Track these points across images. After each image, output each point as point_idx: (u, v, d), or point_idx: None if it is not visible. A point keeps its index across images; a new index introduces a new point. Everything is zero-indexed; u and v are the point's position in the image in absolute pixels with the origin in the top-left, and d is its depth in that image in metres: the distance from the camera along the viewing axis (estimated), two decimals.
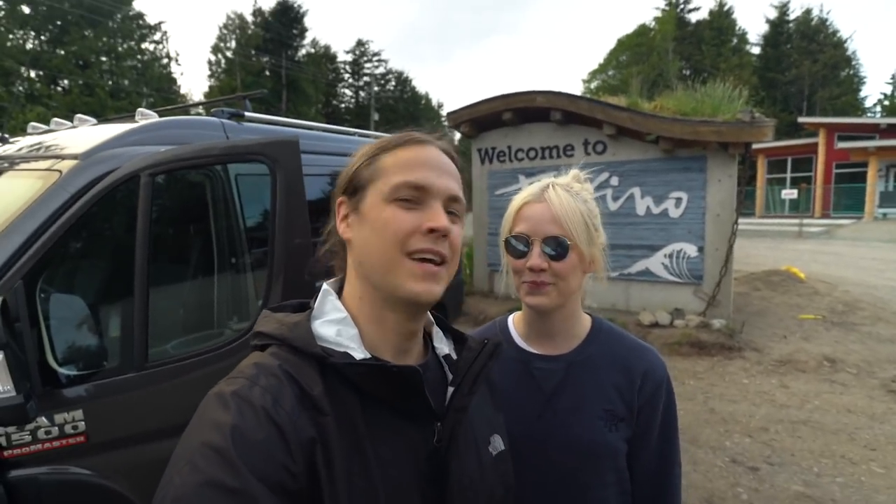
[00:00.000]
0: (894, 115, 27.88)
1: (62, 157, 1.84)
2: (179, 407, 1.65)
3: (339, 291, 0.70)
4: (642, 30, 36.34)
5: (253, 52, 32.20)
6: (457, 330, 0.79)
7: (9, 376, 1.26)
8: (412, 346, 0.68)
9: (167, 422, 1.64)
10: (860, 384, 4.40)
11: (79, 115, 2.60)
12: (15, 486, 1.42)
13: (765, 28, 35.05)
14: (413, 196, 0.62)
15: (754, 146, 5.75)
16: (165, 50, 28.96)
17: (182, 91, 30.24)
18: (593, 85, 37.31)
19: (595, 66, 40.16)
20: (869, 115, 32.06)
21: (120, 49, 25.96)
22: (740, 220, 5.67)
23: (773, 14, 34.83)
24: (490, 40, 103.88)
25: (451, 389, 0.68)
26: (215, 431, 0.50)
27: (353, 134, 3.42)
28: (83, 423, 1.54)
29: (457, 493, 0.63)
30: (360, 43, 41.14)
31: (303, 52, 35.66)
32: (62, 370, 1.56)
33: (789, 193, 18.46)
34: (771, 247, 12.82)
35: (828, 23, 33.95)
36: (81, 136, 2.07)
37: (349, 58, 40.87)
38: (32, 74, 22.89)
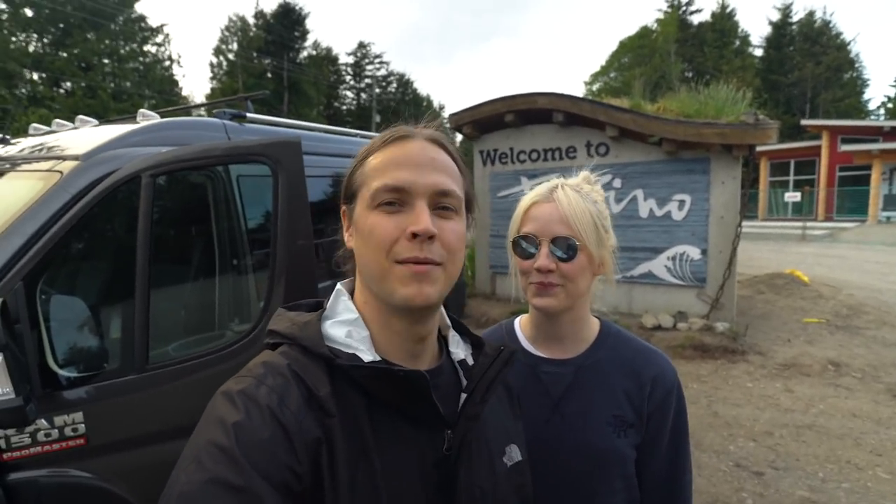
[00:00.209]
0: None
1: (63, 158, 1.84)
2: (180, 409, 1.65)
3: (353, 292, 0.69)
4: (644, 32, 36.34)
5: (254, 54, 32.29)
6: (476, 335, 0.76)
7: (8, 378, 1.25)
8: (423, 349, 0.66)
9: (168, 424, 1.63)
10: (865, 388, 4.37)
11: (80, 117, 2.60)
12: (14, 488, 1.41)
13: (767, 30, 35.06)
14: (395, 199, 0.59)
15: (758, 148, 5.73)
16: (167, 52, 29.15)
17: (184, 93, 30.33)
18: (595, 87, 37.30)
19: (597, 69, 40.29)
20: (872, 117, 31.98)
21: (122, 51, 26.06)
22: (743, 223, 5.65)
23: (775, 16, 34.84)
24: (491, 42, 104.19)
25: (463, 396, 0.66)
26: (221, 430, 0.51)
27: (355, 135, 3.41)
28: (83, 425, 1.53)
29: (465, 503, 0.61)
30: (361, 45, 41.26)
31: (304, 54, 35.75)
32: (62, 372, 1.55)
33: (792, 196, 18.41)
34: (774, 250, 12.78)
35: (831, 25, 33.93)
36: (82, 137, 2.07)
37: (351, 60, 41.02)
38: (35, 77, 22.98)
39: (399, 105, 40.78)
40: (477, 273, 7.48)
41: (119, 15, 25.72)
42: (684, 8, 35.68)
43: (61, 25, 23.54)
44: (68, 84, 23.87)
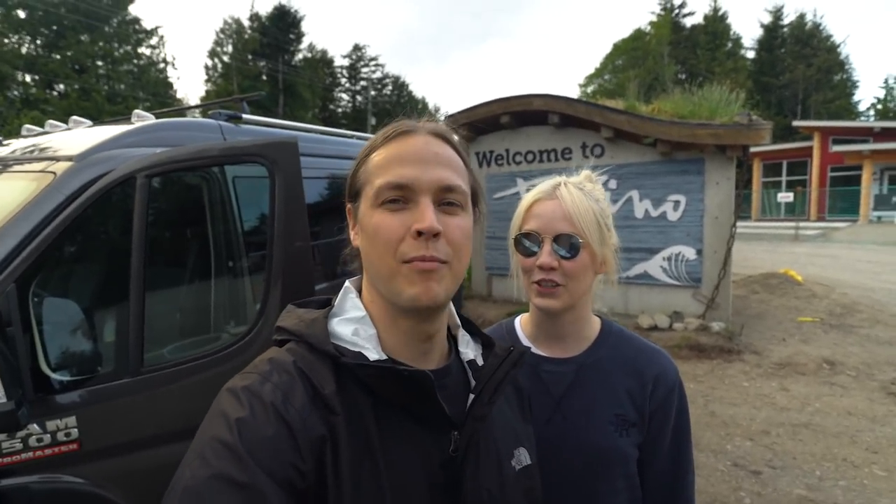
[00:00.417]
0: (887, 119, 28.12)
1: (57, 159, 1.81)
2: (176, 413, 1.63)
3: (361, 290, 0.68)
4: (638, 34, 36.63)
5: (250, 56, 32.23)
6: (486, 335, 0.75)
7: None
8: (431, 348, 0.65)
9: (163, 428, 1.61)
10: (860, 386, 4.40)
11: (74, 117, 2.57)
12: (5, 495, 1.38)
13: (759, 32, 35.38)
14: (398, 196, 0.58)
15: (751, 149, 5.76)
16: (162, 54, 29.02)
17: (178, 95, 30.22)
18: (590, 89, 37.54)
19: (591, 71, 40.54)
20: (862, 118, 32.34)
21: (116, 54, 25.93)
22: (737, 224, 5.68)
23: (767, 19, 35.17)
24: (486, 45, 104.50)
25: (472, 397, 0.65)
26: (225, 426, 0.51)
27: (351, 136, 3.40)
28: (76, 429, 1.50)
29: None
30: (356, 48, 41.30)
31: (300, 56, 35.72)
32: (55, 376, 1.53)
33: (785, 196, 18.59)
34: (768, 250, 12.87)
35: (821, 27, 34.31)
36: (76, 137, 2.04)
37: (346, 62, 41.02)
38: (28, 79, 22.80)
39: (394, 107, 40.79)
40: (473, 275, 7.48)
41: (113, 17, 25.63)
42: (677, 11, 35.99)
43: (55, 27, 23.40)
44: (61, 86, 23.71)
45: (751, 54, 35.68)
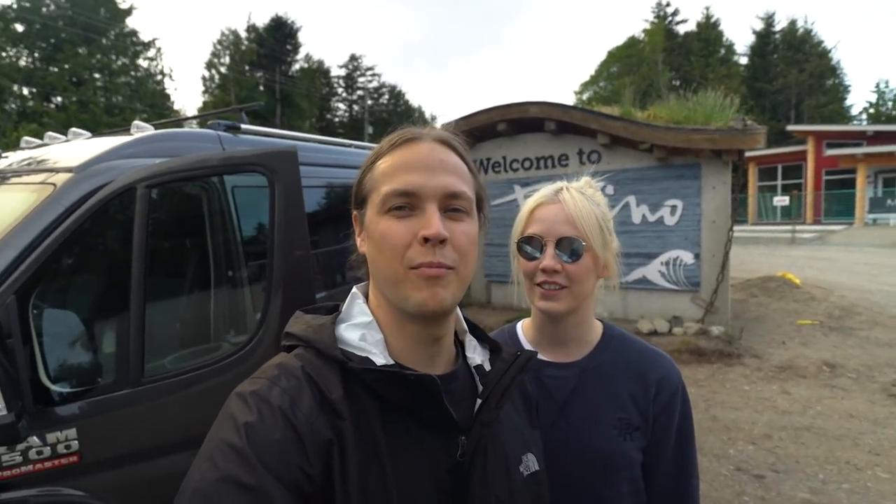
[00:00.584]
0: (879, 123, 28.41)
1: (56, 171, 1.81)
2: (177, 423, 1.62)
3: (368, 296, 0.68)
4: (632, 42, 37.00)
5: (247, 67, 32.42)
6: (494, 340, 0.75)
7: (0, 394, 1.22)
8: (438, 352, 0.66)
9: (164, 439, 1.59)
10: (861, 389, 4.39)
11: (73, 129, 2.57)
12: None
13: (752, 39, 35.82)
14: (404, 203, 0.59)
15: (746, 154, 5.81)
16: (159, 66, 29.19)
17: (176, 107, 30.35)
18: (585, 96, 37.83)
19: (586, 78, 40.83)
20: (855, 122, 32.65)
21: (114, 66, 26.05)
22: (734, 227, 5.71)
23: (759, 25, 35.67)
24: (481, 54, 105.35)
25: (479, 402, 0.65)
26: (234, 430, 0.52)
27: (349, 145, 3.42)
28: (76, 441, 1.49)
29: None
30: (353, 57, 41.57)
31: (296, 67, 35.95)
32: (55, 387, 1.52)
33: (781, 200, 18.69)
34: (765, 253, 12.91)
35: (812, 34, 34.78)
36: (76, 149, 2.04)
37: (342, 72, 41.28)
38: (25, 92, 22.86)
39: (391, 116, 41.00)
40: (472, 282, 7.47)
41: (111, 29, 25.77)
42: (670, 18, 36.44)
43: (52, 40, 23.51)
44: (59, 99, 23.77)
45: (744, 60, 36.11)
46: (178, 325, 2.04)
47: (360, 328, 0.63)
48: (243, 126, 2.42)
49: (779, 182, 23.01)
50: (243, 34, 33.52)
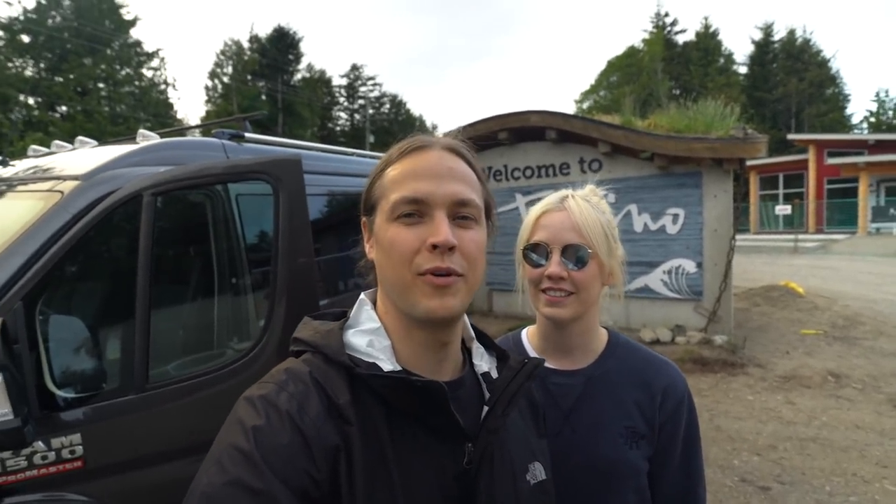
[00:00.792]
0: (880, 132, 28.47)
1: (63, 178, 1.83)
2: (180, 429, 1.62)
3: (376, 303, 0.69)
4: (631, 51, 37.26)
5: (249, 77, 32.71)
6: (501, 348, 0.75)
7: (7, 399, 1.22)
8: (445, 360, 0.66)
9: (168, 445, 1.59)
10: (867, 399, 4.36)
11: (79, 138, 2.60)
12: None
13: (751, 48, 36.04)
14: (413, 210, 0.59)
15: (747, 162, 5.83)
16: (163, 76, 29.48)
17: (179, 116, 30.56)
18: (585, 105, 38.06)
19: (586, 87, 41.09)
20: (856, 131, 32.74)
21: (118, 76, 26.31)
22: (736, 236, 5.70)
23: (758, 35, 35.89)
24: (481, 63, 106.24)
25: (486, 409, 0.65)
26: (242, 434, 0.52)
27: (352, 154, 3.44)
28: (81, 447, 1.49)
29: None
30: (354, 67, 41.95)
31: (298, 76, 36.28)
32: (60, 393, 1.52)
33: (783, 209, 18.66)
34: (768, 262, 12.89)
35: (811, 43, 34.98)
36: (82, 157, 2.07)
37: (344, 82, 41.64)
38: (31, 101, 23.09)
39: (392, 125, 41.26)
40: None
41: (115, 40, 26.05)
42: (669, 28, 36.73)
43: (58, 51, 23.78)
44: (64, 108, 23.99)
45: (743, 69, 36.31)
46: (182, 332, 2.04)
47: (368, 334, 0.64)
48: (247, 135, 2.45)
49: (780, 191, 23.03)
50: (246, 44, 33.90)
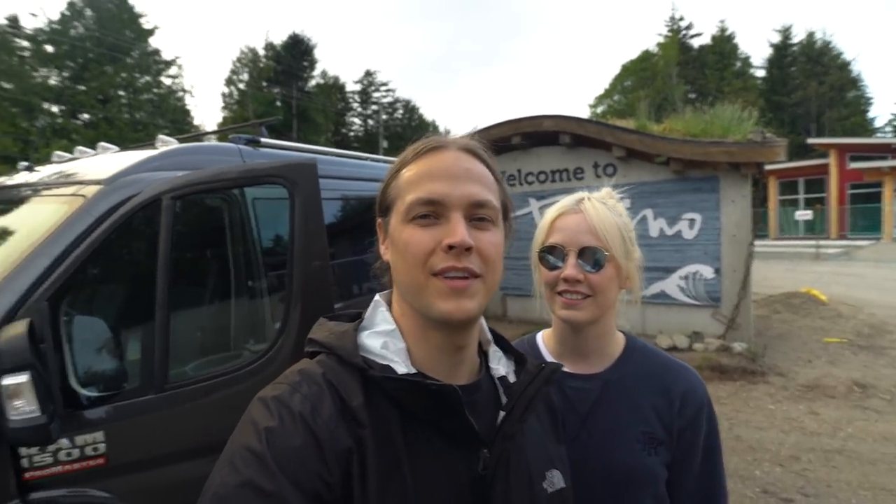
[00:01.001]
0: None
1: (86, 183, 1.88)
2: (198, 429, 1.64)
3: (392, 304, 0.68)
4: (646, 55, 36.99)
5: (265, 83, 33.28)
6: (519, 352, 0.74)
7: (34, 396, 1.26)
8: (461, 363, 0.65)
9: (186, 444, 1.62)
10: (895, 411, 4.21)
11: (101, 143, 2.67)
12: None
13: (768, 52, 35.51)
14: (429, 211, 0.59)
15: (766, 167, 5.72)
16: (181, 83, 30.11)
17: (196, 122, 31.21)
18: (600, 109, 37.82)
19: (600, 92, 40.87)
20: (879, 135, 31.91)
21: (138, 84, 26.99)
22: (755, 242, 5.59)
23: (776, 38, 35.35)
24: (493, 68, 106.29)
25: (502, 414, 0.64)
26: (255, 435, 0.52)
27: (366, 159, 3.47)
28: (104, 444, 1.53)
29: None
30: (368, 73, 42.42)
31: (313, 83, 36.82)
32: (84, 391, 1.56)
33: (804, 214, 18.19)
34: (788, 269, 12.59)
35: (831, 45, 34.29)
36: (104, 162, 2.12)
37: (358, 87, 42.12)
38: (55, 109, 23.81)
39: (405, 130, 41.54)
40: None
41: (135, 49, 26.75)
42: (684, 32, 36.37)
43: (80, 60, 24.49)
44: (86, 115, 24.68)
45: (760, 73, 35.76)
46: (200, 333, 2.07)
47: (383, 336, 0.63)
48: (262, 140, 2.48)
49: (801, 196, 22.52)
50: (261, 52, 34.55)
